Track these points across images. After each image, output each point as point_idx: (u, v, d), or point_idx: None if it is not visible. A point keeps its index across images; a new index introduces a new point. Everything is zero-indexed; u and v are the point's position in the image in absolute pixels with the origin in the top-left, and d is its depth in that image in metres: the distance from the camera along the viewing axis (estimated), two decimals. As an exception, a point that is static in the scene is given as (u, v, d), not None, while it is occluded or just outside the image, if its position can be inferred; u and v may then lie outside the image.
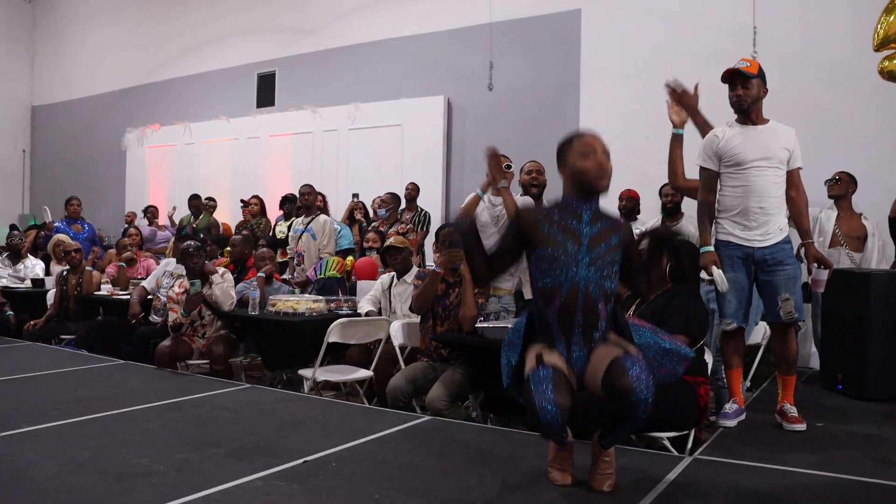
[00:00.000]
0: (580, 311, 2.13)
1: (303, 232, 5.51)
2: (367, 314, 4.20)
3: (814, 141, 4.77)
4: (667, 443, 2.78)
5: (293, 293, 4.74)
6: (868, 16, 4.26)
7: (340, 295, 4.71)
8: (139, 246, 6.79)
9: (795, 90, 5.37)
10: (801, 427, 2.97)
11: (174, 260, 5.08)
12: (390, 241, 4.39)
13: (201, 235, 6.86)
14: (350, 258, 5.47)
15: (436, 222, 6.43)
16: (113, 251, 6.78)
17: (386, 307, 4.26)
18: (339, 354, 4.18)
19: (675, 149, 3.40)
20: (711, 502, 2.16)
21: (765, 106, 3.14)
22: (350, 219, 6.72)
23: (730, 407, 3.10)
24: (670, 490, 2.22)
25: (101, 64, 11.22)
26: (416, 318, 3.76)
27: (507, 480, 2.28)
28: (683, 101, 3.43)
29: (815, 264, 3.13)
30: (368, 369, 3.93)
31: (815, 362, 4.44)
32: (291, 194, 6.77)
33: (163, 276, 5.01)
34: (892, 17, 3.91)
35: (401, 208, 6.41)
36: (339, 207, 7.37)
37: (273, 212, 7.59)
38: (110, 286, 5.63)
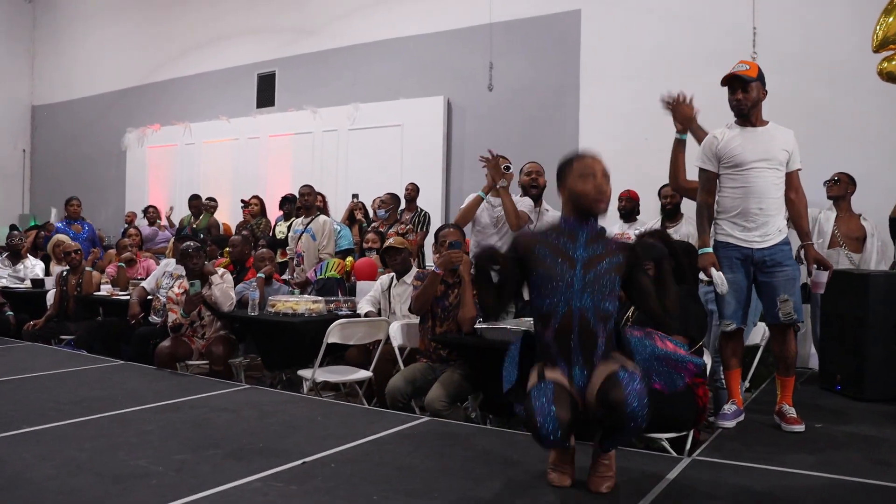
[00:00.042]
0: (576, 333, 2.13)
1: (302, 232, 5.51)
2: (366, 315, 4.20)
3: (813, 141, 4.77)
4: (665, 444, 2.78)
5: (293, 294, 4.74)
6: (868, 16, 4.26)
7: (340, 295, 4.71)
8: (139, 246, 6.79)
9: (795, 90, 5.38)
10: (800, 428, 2.98)
11: (174, 260, 5.08)
12: (390, 241, 4.39)
13: (201, 236, 6.86)
14: (349, 259, 5.47)
15: (435, 223, 6.42)
16: (113, 251, 6.78)
17: (385, 308, 4.26)
18: (338, 355, 4.18)
19: (678, 153, 3.41)
20: (710, 503, 2.16)
21: (765, 106, 3.14)
22: (350, 219, 6.71)
23: (728, 408, 3.10)
24: (668, 491, 2.22)
25: (101, 64, 11.23)
26: (416, 319, 3.76)
27: (506, 482, 2.28)
28: (679, 111, 3.44)
29: (815, 266, 3.13)
30: (368, 370, 3.93)
31: (814, 363, 4.44)
32: (291, 194, 6.77)
33: (162, 277, 5.01)
34: (891, 19, 3.91)
35: (400, 209, 6.40)
36: (338, 208, 7.37)
37: (273, 212, 7.60)
38: (110, 286, 5.63)
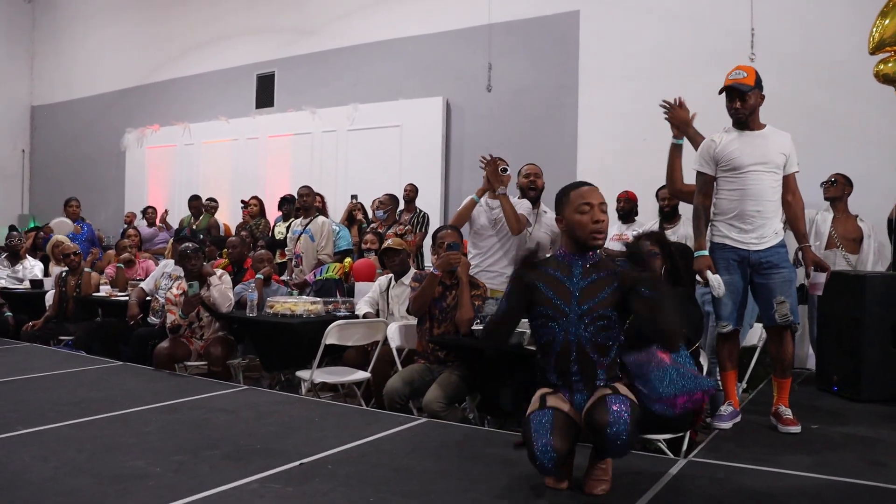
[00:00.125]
0: (575, 364, 2.18)
1: (301, 233, 5.51)
2: (364, 316, 4.20)
3: (812, 142, 4.78)
4: (662, 445, 2.79)
5: (291, 295, 4.75)
6: (867, 17, 4.27)
7: (338, 296, 4.72)
8: (138, 247, 6.79)
9: (794, 91, 5.38)
10: (796, 429, 2.99)
11: (172, 261, 5.08)
12: (388, 242, 4.39)
13: (200, 236, 6.87)
14: (348, 259, 5.47)
15: (434, 223, 6.44)
16: (112, 252, 6.79)
17: (384, 309, 4.27)
18: (336, 356, 4.19)
19: (675, 158, 3.43)
20: (705, 505, 2.18)
21: (763, 108, 3.15)
22: (349, 220, 6.72)
23: (725, 409, 3.11)
24: (665, 492, 2.23)
25: (100, 64, 11.23)
26: (414, 321, 3.77)
27: (503, 483, 2.29)
28: (675, 115, 3.46)
29: (813, 268, 3.15)
30: (366, 371, 3.94)
31: (812, 364, 4.46)
32: (290, 195, 6.78)
33: (161, 278, 5.02)
34: (887, 21, 3.92)
35: (399, 209, 6.41)
36: (338, 208, 7.38)
37: (272, 213, 7.60)
38: (109, 287, 5.63)
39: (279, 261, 5.88)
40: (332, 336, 3.77)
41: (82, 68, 11.56)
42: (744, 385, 3.71)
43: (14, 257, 6.70)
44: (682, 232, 4.53)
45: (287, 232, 6.00)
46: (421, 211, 6.41)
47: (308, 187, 5.81)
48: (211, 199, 8.01)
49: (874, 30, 4.04)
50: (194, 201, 8.00)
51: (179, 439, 2.74)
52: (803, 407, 3.31)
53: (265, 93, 9.30)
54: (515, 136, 7.06)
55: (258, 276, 4.85)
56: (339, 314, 4.24)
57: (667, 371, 2.14)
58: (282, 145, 8.96)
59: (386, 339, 3.82)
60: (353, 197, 7.01)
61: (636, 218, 5.30)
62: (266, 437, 2.79)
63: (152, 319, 4.90)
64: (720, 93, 3.14)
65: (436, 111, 7.74)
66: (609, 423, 1.98)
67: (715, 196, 3.17)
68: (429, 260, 5.45)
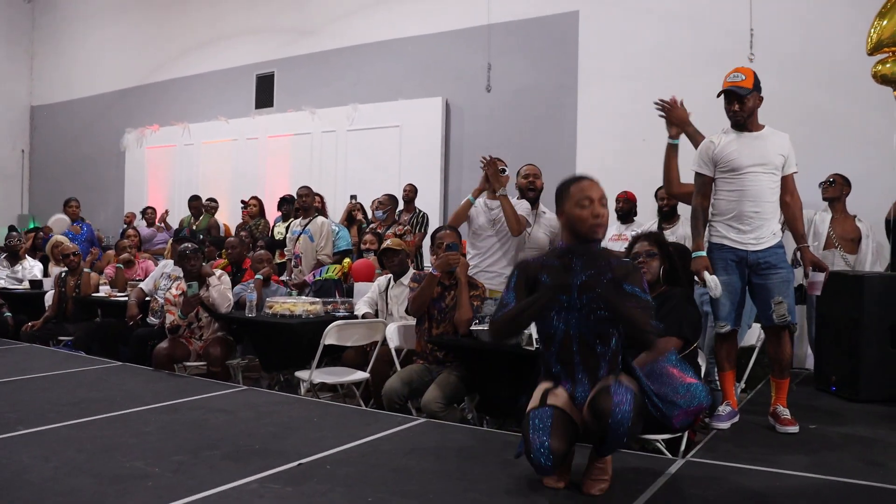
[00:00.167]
0: (577, 354, 2.21)
1: (300, 234, 5.52)
2: (363, 316, 4.21)
3: (811, 143, 4.79)
4: (661, 445, 2.80)
5: (290, 295, 4.75)
6: (866, 17, 4.27)
7: (337, 297, 4.72)
8: (137, 247, 6.80)
9: (793, 92, 5.39)
10: (794, 429, 3.00)
11: (172, 261, 5.09)
12: (387, 243, 4.40)
13: (200, 237, 6.87)
14: (347, 260, 5.48)
15: (434, 224, 6.44)
16: (111, 252, 6.79)
17: (383, 309, 4.28)
18: (335, 356, 4.19)
19: (671, 158, 3.44)
20: (703, 505, 2.18)
21: (763, 107, 3.16)
22: (348, 220, 6.73)
23: (723, 409, 3.12)
24: (662, 492, 2.23)
25: (100, 64, 11.23)
26: (413, 321, 3.77)
27: (501, 483, 2.30)
28: (673, 115, 3.46)
29: (812, 268, 3.15)
30: (365, 371, 3.94)
31: (811, 364, 4.46)
32: (290, 195, 6.79)
33: (160, 278, 5.02)
34: (885, 22, 3.93)
35: (399, 210, 6.42)
36: (337, 208, 7.38)
37: (272, 213, 7.61)
38: (108, 288, 5.64)
39: (278, 261, 5.88)
40: (331, 336, 3.77)
41: (82, 68, 11.57)
42: (742, 385, 3.71)
43: (13, 258, 6.70)
44: (680, 232, 4.53)
45: (286, 232, 6.01)
46: (420, 211, 6.42)
47: (307, 188, 5.82)
48: (211, 200, 8.02)
49: (872, 31, 4.04)
50: (194, 201, 8.00)
51: (179, 439, 2.74)
52: (801, 407, 3.32)
53: (265, 93, 9.30)
54: (515, 136, 7.07)
55: (257, 276, 4.85)
56: (338, 314, 4.24)
57: (674, 385, 2.20)
58: (281, 145, 8.96)
59: (385, 340, 3.82)
60: (353, 197, 7.02)
61: (635, 218, 5.30)
62: (265, 438, 2.79)
63: (151, 320, 4.90)
64: (718, 96, 3.15)
65: (435, 111, 7.75)
66: (612, 412, 1.99)
67: (713, 197, 3.18)
68: (428, 260, 5.46)
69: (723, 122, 3.23)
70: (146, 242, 7.75)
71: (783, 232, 3.25)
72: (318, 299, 4.39)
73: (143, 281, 5.30)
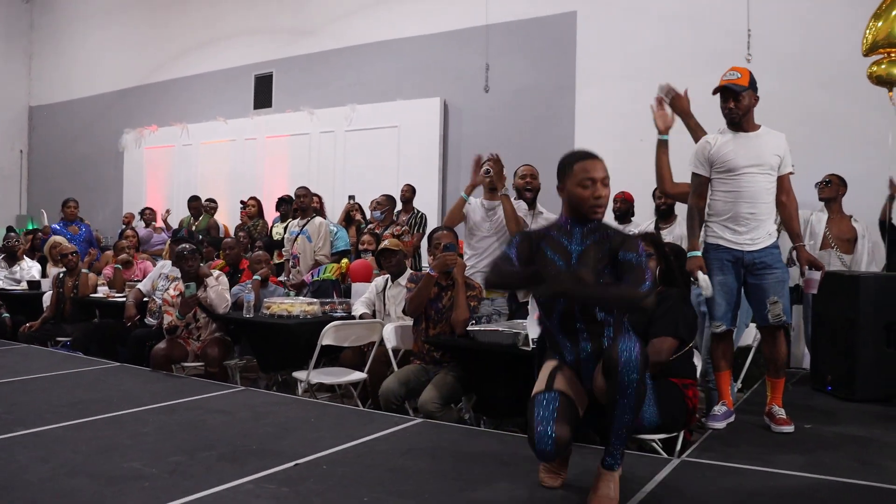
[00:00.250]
0: (580, 321, 2.20)
1: (298, 234, 5.52)
2: (361, 317, 4.21)
3: (808, 143, 4.81)
4: (657, 445, 2.80)
5: (288, 295, 4.75)
6: (863, 18, 4.27)
7: (335, 297, 4.73)
8: (136, 248, 6.80)
9: (791, 92, 5.40)
10: (789, 429, 3.01)
11: (170, 262, 5.09)
12: (385, 243, 4.40)
13: (200, 237, 6.87)
14: (345, 260, 5.48)
15: (432, 224, 6.44)
16: (110, 253, 6.80)
17: (380, 310, 4.28)
18: (333, 357, 4.20)
19: (662, 154, 3.44)
20: (698, 504, 2.19)
21: (760, 108, 3.17)
22: (347, 220, 6.73)
23: (719, 409, 3.13)
24: (657, 492, 2.24)
25: (98, 65, 11.24)
26: (410, 321, 3.78)
27: (497, 483, 2.30)
28: (676, 104, 3.47)
29: (808, 266, 3.16)
30: (362, 372, 3.95)
31: (807, 363, 4.47)
32: (288, 195, 6.79)
33: (158, 279, 5.02)
34: (880, 23, 3.94)
35: (397, 210, 6.42)
36: (335, 209, 7.39)
37: (270, 213, 7.61)
38: (106, 288, 5.64)
39: (276, 261, 5.88)
40: (328, 337, 3.78)
41: (80, 69, 11.57)
42: (738, 385, 3.72)
43: (11, 258, 6.70)
44: (677, 232, 4.54)
45: (284, 233, 6.01)
46: (418, 212, 6.42)
47: (305, 188, 5.83)
48: (210, 200, 8.02)
49: (867, 32, 4.06)
50: (194, 202, 8.00)
51: (176, 440, 2.75)
52: (797, 406, 3.33)
53: (263, 93, 9.31)
54: (513, 136, 7.07)
55: (255, 276, 4.86)
56: (335, 315, 4.25)
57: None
58: (280, 146, 8.97)
59: (382, 340, 3.83)
60: (351, 197, 7.02)
61: (632, 218, 5.31)
62: (262, 438, 2.80)
63: (149, 320, 4.91)
64: (714, 93, 3.15)
65: (433, 112, 7.76)
66: (621, 354, 1.98)
67: (710, 197, 3.19)
68: (426, 261, 5.46)
69: (721, 122, 3.23)
70: (143, 244, 7.75)
71: (779, 232, 3.26)
72: (315, 300, 4.40)
73: (141, 281, 5.30)
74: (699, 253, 3.11)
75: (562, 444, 2.04)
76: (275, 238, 6.47)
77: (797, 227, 3.23)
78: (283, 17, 9.27)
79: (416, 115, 7.84)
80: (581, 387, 2.20)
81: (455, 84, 7.72)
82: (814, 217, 4.66)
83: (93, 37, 11.40)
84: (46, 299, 5.72)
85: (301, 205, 5.66)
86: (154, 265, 5.79)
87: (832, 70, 5.49)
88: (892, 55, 4.08)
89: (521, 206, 4.14)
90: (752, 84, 3.12)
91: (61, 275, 5.67)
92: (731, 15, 5.94)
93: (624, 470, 2.14)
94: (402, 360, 3.81)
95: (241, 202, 7.62)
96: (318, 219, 5.67)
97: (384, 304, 4.26)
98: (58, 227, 7.44)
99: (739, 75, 3.09)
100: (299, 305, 4.20)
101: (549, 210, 4.20)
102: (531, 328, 2.97)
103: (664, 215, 4.74)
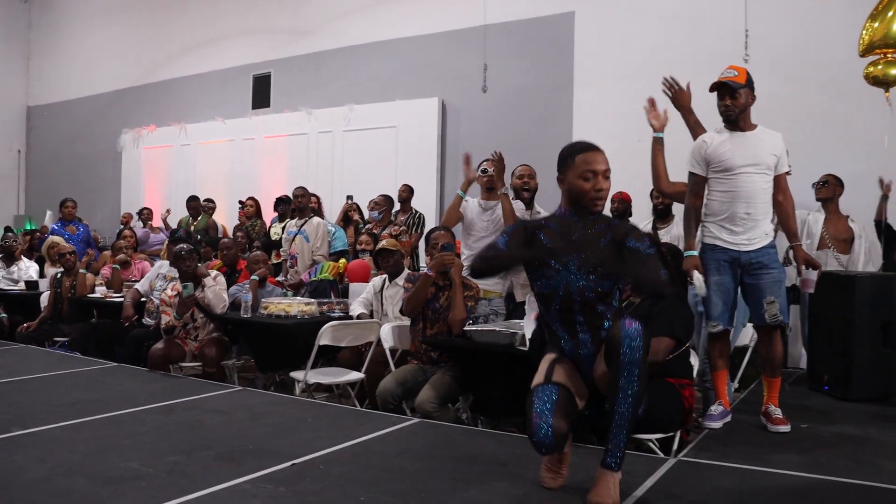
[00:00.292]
0: (579, 312, 2.20)
1: (296, 234, 5.53)
2: (358, 317, 4.22)
3: (806, 143, 4.81)
4: (654, 444, 2.81)
5: (286, 295, 4.75)
6: (861, 18, 4.28)
7: (332, 297, 4.73)
8: (134, 248, 6.79)
9: (788, 92, 5.42)
10: (786, 428, 3.01)
11: (167, 262, 5.09)
12: (382, 243, 4.41)
13: (198, 237, 6.87)
14: (343, 260, 5.49)
15: (430, 224, 6.44)
16: (108, 253, 6.79)
17: (378, 310, 4.28)
18: (330, 357, 4.20)
19: (657, 153, 3.44)
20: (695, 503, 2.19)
21: (758, 108, 3.18)
22: (345, 220, 6.73)
23: (715, 409, 3.13)
24: (654, 492, 2.25)
25: (97, 65, 11.23)
26: (407, 321, 3.78)
27: (494, 483, 2.31)
28: (678, 99, 3.47)
29: (805, 266, 3.17)
30: (360, 372, 3.95)
31: (804, 363, 4.48)
32: (286, 196, 6.79)
33: (156, 279, 5.02)
34: (876, 24, 3.95)
35: (394, 210, 6.42)
36: (333, 209, 7.39)
37: (268, 213, 7.61)
38: (104, 288, 5.64)
39: (274, 261, 5.88)
40: (325, 337, 3.78)
41: (79, 69, 11.56)
42: (735, 385, 3.73)
43: (9, 258, 6.69)
44: (675, 232, 4.54)
45: (282, 233, 6.01)
46: (416, 212, 6.42)
47: (303, 188, 5.83)
48: (208, 200, 8.02)
49: (864, 32, 4.07)
50: (192, 202, 7.99)
51: (173, 440, 2.75)
52: (793, 406, 3.33)
53: (261, 93, 9.32)
54: (511, 136, 7.07)
55: (253, 277, 4.86)
56: (333, 315, 4.25)
57: None
58: (278, 146, 8.97)
59: (379, 340, 3.83)
60: (349, 197, 7.02)
61: (630, 219, 5.31)
62: (259, 438, 2.80)
63: (147, 321, 4.91)
64: (711, 90, 3.16)
65: (431, 112, 7.76)
66: (622, 328, 1.98)
67: (706, 197, 3.19)
68: (424, 260, 5.46)
69: (717, 121, 3.24)
70: (141, 243, 7.75)
71: (776, 232, 3.26)
72: (313, 300, 4.40)
73: (139, 282, 5.30)
74: (696, 252, 3.11)
75: (560, 437, 2.04)
76: (273, 238, 6.47)
77: (794, 226, 3.24)
78: (281, 17, 9.27)
79: (414, 115, 7.85)
80: (581, 379, 2.20)
81: (453, 84, 7.73)
82: (811, 217, 4.67)
83: (91, 37, 11.40)
84: (44, 299, 5.71)
85: (299, 205, 5.66)
86: (152, 265, 5.78)
87: (830, 71, 5.50)
88: (889, 56, 4.09)
89: (518, 206, 4.14)
90: (749, 83, 3.13)
91: (59, 275, 5.67)
92: (729, 15, 5.94)
93: (622, 469, 2.14)
94: (400, 360, 3.81)
95: (241, 202, 7.62)
96: (316, 219, 5.68)
97: (382, 305, 4.26)
98: (56, 227, 7.43)
99: (737, 73, 3.10)
100: (297, 305, 4.20)
101: (547, 210, 4.21)
102: (528, 328, 2.97)
103: (662, 215, 4.75)
